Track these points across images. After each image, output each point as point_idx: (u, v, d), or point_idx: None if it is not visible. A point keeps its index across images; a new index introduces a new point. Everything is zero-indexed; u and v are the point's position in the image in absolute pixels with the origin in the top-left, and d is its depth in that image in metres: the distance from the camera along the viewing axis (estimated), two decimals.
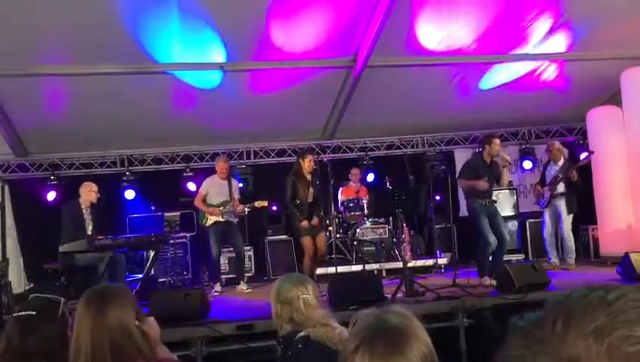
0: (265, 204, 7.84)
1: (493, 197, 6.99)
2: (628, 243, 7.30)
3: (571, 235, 7.69)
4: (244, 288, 7.42)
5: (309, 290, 2.61)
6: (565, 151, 8.02)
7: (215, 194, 7.53)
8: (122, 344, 1.89)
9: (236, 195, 7.64)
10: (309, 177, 6.91)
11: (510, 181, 9.37)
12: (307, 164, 6.86)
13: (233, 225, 7.58)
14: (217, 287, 7.42)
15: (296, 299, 2.55)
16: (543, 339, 0.68)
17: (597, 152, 7.95)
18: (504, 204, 9.10)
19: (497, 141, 6.74)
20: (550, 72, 8.24)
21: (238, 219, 7.79)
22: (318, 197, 7.02)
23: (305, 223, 6.85)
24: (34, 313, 2.08)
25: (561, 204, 7.61)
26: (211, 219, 7.46)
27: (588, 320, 0.66)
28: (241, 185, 8.25)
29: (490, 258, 6.64)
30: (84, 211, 6.95)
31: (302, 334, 2.46)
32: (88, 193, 6.98)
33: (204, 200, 7.53)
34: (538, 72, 8.21)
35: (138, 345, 1.92)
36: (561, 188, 7.63)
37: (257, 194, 8.37)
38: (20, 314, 2.08)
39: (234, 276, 7.94)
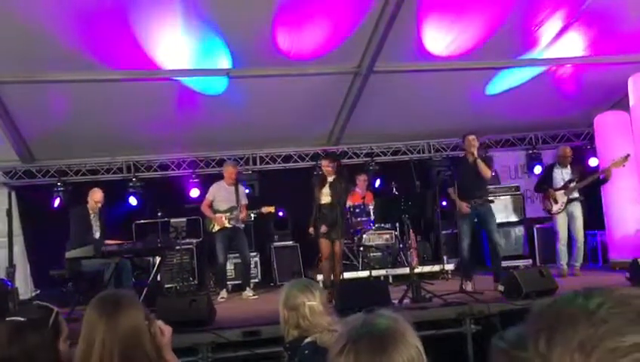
0: (271, 209, 7.84)
1: (490, 198, 6.78)
2: (636, 249, 7.24)
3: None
4: (250, 294, 7.40)
5: (316, 297, 2.60)
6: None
7: (222, 200, 7.52)
8: (132, 348, 1.90)
9: (243, 201, 7.63)
10: (329, 179, 6.74)
11: (517, 186, 9.34)
12: (322, 168, 6.82)
13: (240, 231, 7.57)
14: (223, 293, 7.40)
15: (302, 306, 2.56)
16: (527, 361, 0.63)
17: (604, 158, 7.91)
18: (509, 209, 9.07)
19: (469, 137, 6.61)
20: (557, 76, 8.21)
21: (244, 224, 7.79)
22: (334, 201, 6.64)
23: (311, 230, 6.76)
24: (23, 319, 2.03)
25: (577, 208, 7.55)
26: (218, 225, 7.46)
27: (571, 333, 0.62)
28: (247, 191, 8.23)
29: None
30: (91, 216, 6.97)
31: (308, 340, 2.46)
32: (90, 200, 7.02)
33: (210, 206, 7.53)
34: (545, 76, 8.17)
35: (146, 349, 1.93)
36: (576, 192, 7.59)
37: (263, 201, 8.35)
38: (10, 319, 2.04)
39: (240, 282, 7.93)
